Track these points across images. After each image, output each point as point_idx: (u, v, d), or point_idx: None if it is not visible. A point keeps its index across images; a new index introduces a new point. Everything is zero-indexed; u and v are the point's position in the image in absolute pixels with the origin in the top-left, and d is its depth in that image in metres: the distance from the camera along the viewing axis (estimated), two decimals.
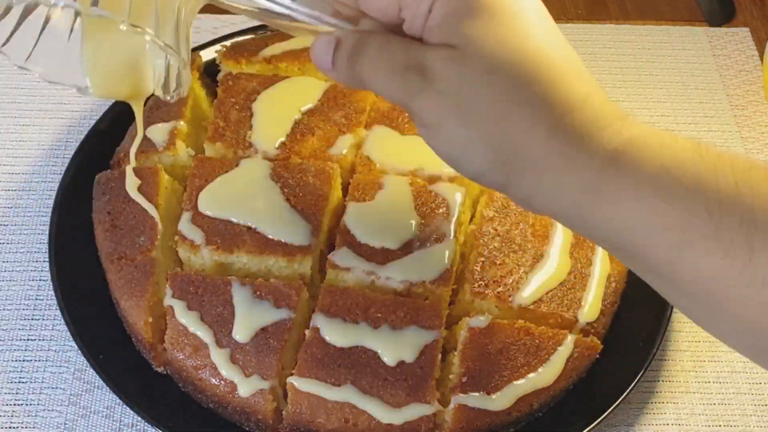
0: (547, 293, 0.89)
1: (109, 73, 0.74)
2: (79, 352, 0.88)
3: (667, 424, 0.92)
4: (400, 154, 0.96)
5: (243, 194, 0.92)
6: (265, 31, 1.13)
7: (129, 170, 0.95)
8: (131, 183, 0.94)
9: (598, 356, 0.89)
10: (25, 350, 0.94)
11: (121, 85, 0.76)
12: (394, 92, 0.62)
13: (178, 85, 0.72)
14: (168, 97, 0.73)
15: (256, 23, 1.18)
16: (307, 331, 0.86)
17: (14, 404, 0.90)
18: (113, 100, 1.07)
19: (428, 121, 0.61)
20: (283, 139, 0.97)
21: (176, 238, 0.91)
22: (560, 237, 0.93)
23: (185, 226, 0.91)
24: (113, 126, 1.04)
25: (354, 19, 0.66)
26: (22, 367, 0.93)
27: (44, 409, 0.90)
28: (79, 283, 0.92)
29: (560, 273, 0.91)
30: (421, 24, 0.62)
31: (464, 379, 0.84)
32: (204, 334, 0.85)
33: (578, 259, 0.92)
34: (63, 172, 1.00)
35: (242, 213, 0.91)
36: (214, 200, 0.92)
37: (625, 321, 0.93)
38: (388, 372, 0.83)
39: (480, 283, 0.89)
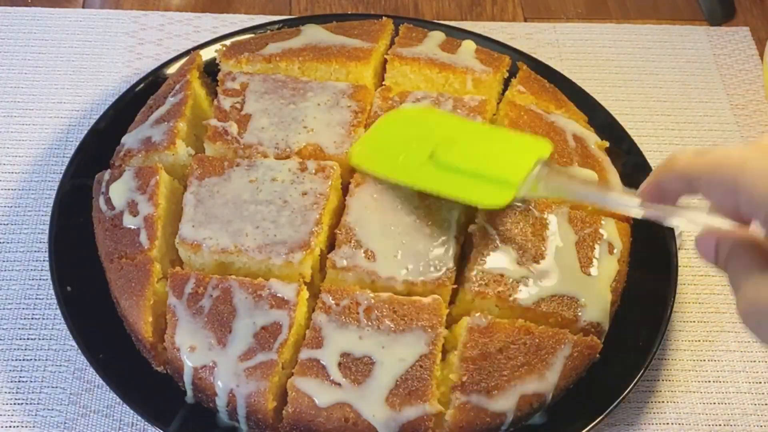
0: (548, 293, 0.89)
1: None
2: (79, 351, 0.88)
3: (667, 424, 0.92)
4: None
5: (243, 195, 0.92)
6: (265, 30, 1.13)
7: (128, 173, 0.95)
8: (124, 187, 0.94)
9: (598, 356, 0.89)
10: (25, 349, 0.94)
11: None
12: (747, 323, 0.62)
13: None
14: None
15: (255, 23, 1.18)
16: (307, 331, 0.86)
17: (14, 403, 0.90)
18: (112, 100, 1.07)
19: None
20: (283, 138, 0.97)
21: (176, 237, 0.91)
22: (559, 237, 0.93)
23: (186, 225, 0.91)
24: (113, 126, 1.04)
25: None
26: (22, 366, 0.93)
27: (44, 408, 0.90)
28: (79, 283, 0.93)
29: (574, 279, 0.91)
30: None
31: (464, 379, 0.84)
32: (204, 333, 0.85)
33: (580, 259, 0.92)
34: (63, 172, 1.00)
35: (242, 214, 0.91)
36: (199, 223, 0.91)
37: (625, 321, 0.93)
38: (390, 371, 0.83)
39: (481, 282, 0.89)
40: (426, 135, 0.94)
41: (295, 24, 1.12)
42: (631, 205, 0.75)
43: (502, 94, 1.06)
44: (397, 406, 0.82)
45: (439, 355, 0.85)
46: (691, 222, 0.70)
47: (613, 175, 1.01)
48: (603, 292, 0.91)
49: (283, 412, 0.84)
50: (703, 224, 0.68)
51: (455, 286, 0.90)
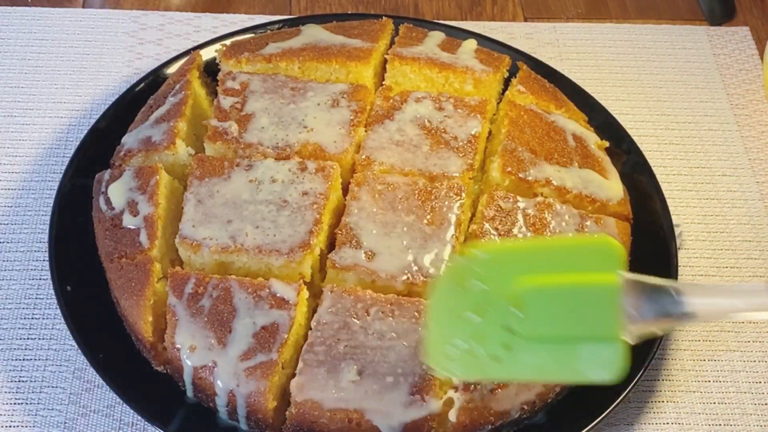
0: None
1: None
2: (79, 351, 0.88)
3: (667, 423, 0.92)
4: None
5: (243, 195, 0.92)
6: (265, 30, 1.13)
7: (128, 172, 0.95)
8: (123, 187, 0.94)
9: None
10: (25, 349, 0.94)
11: None
12: None
13: None
14: None
15: (255, 22, 1.18)
16: (308, 332, 0.86)
17: (14, 403, 0.90)
18: (112, 100, 1.07)
19: None
20: (283, 138, 0.97)
21: (176, 237, 0.91)
22: (560, 237, 0.93)
23: (186, 225, 0.91)
24: (113, 125, 1.04)
25: None
26: (22, 366, 0.93)
27: (44, 408, 0.90)
28: (79, 282, 0.92)
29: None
30: None
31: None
32: (204, 333, 0.85)
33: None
34: (63, 172, 1.00)
35: (242, 214, 0.91)
36: (199, 221, 0.91)
37: None
38: (391, 371, 0.83)
39: None
40: (484, 301, 0.75)
41: (295, 24, 1.12)
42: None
43: (502, 93, 1.06)
44: (400, 406, 0.82)
45: None
46: None
47: (613, 175, 1.01)
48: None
49: (287, 413, 0.84)
50: None
51: None
